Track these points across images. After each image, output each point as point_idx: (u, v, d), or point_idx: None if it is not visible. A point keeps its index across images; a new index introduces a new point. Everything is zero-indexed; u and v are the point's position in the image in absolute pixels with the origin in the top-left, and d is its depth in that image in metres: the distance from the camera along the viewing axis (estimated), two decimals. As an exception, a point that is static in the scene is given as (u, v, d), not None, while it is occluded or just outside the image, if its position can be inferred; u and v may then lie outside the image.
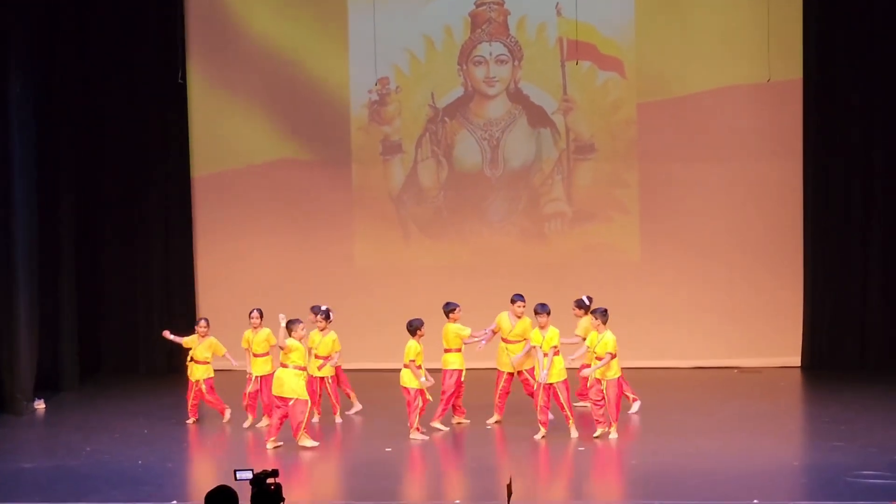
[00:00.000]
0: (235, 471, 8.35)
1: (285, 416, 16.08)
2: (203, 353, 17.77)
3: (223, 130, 21.61)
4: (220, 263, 21.69)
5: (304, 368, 16.31)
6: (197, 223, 21.70)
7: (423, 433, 16.49)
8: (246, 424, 17.42)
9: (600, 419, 16.35)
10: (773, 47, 20.22)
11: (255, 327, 17.45)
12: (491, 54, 21.46)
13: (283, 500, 8.16)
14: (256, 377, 17.39)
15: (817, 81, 20.58)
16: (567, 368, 16.53)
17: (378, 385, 20.26)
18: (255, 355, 17.45)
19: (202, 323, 17.92)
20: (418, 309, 21.22)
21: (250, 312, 17.47)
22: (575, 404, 17.04)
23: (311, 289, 21.28)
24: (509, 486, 9.27)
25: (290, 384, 16.03)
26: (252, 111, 21.54)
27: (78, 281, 20.65)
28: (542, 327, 16.38)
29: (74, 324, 19.74)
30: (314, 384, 17.31)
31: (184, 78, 21.02)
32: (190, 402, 17.86)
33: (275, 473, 8.18)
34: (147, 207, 21.48)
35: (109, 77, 21.17)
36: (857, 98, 20.50)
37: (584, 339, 16.98)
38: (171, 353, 20.47)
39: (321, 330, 17.55)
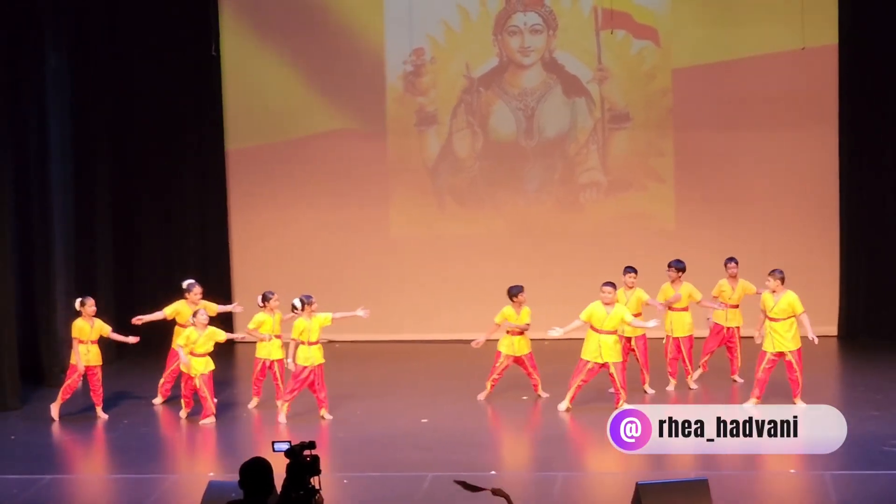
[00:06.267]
0: (273, 442, 8.39)
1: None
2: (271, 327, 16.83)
3: (257, 103, 21.58)
4: (255, 236, 21.70)
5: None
6: (231, 196, 21.70)
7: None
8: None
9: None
10: (807, 13, 20.08)
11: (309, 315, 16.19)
12: (525, 24, 21.39)
13: (319, 472, 8.19)
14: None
15: (853, 47, 20.45)
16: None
17: (417, 355, 20.31)
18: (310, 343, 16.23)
19: (274, 297, 16.77)
20: (454, 280, 21.36)
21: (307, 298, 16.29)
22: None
23: (346, 260, 21.31)
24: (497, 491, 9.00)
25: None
26: (286, 83, 21.51)
27: (114, 255, 20.71)
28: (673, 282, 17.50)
29: (111, 299, 19.78)
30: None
31: (217, 51, 21.03)
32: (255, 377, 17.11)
33: (311, 445, 8.20)
34: (181, 180, 21.44)
35: (143, 50, 21.13)
36: (893, 63, 20.34)
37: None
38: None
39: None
